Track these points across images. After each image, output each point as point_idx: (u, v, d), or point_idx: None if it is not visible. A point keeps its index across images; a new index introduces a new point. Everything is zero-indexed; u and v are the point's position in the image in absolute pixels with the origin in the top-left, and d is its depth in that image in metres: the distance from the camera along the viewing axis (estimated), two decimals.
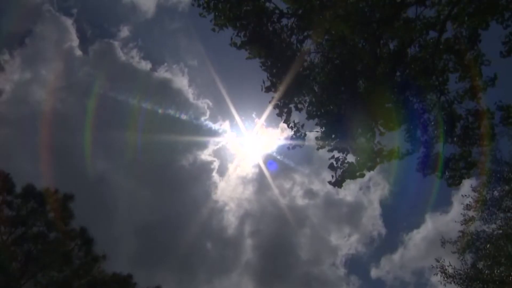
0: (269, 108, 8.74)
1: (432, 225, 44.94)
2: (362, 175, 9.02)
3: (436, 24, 8.43)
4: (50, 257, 18.89)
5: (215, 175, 48.50)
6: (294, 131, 8.67)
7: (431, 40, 8.81)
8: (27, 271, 18.17)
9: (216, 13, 7.62)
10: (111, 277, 19.48)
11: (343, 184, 8.92)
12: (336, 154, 8.81)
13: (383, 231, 49.26)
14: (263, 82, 8.11)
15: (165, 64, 56.27)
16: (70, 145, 34.91)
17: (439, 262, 18.41)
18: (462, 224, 18.22)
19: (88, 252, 19.99)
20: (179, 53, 54.48)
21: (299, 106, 8.46)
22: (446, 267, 18.25)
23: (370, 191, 52.16)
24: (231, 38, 7.87)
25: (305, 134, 8.76)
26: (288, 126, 8.68)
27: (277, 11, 7.71)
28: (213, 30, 7.85)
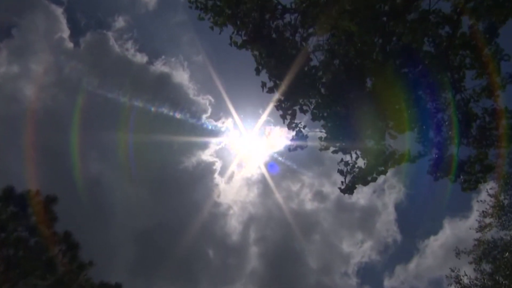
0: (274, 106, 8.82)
1: (450, 232, 44.96)
2: (374, 179, 9.12)
3: (451, 18, 8.55)
4: (32, 263, 19.02)
5: (217, 177, 48.38)
6: (296, 132, 8.79)
7: (446, 35, 8.93)
8: (8, 278, 18.33)
9: (214, 13, 7.75)
10: (98, 286, 19.62)
11: (354, 190, 9.07)
12: (345, 158, 8.91)
13: (398, 237, 49.23)
14: (263, 84, 8.21)
15: (163, 57, 56.01)
16: (62, 145, 34.92)
17: (453, 272, 18.64)
18: (477, 232, 18.42)
19: (73, 259, 20.09)
20: (179, 45, 54.31)
21: (304, 108, 8.56)
22: (462, 277, 18.46)
23: (384, 194, 52.11)
24: (231, 37, 8.00)
25: (307, 136, 8.89)
26: (289, 127, 8.80)
27: (279, 7, 7.81)
28: (211, 28, 7.97)
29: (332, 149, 8.95)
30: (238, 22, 7.74)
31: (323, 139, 8.83)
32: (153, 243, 39.97)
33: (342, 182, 9.14)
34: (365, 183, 9.12)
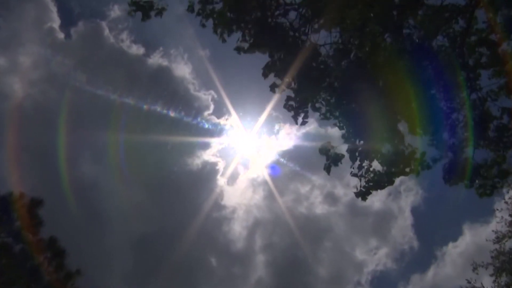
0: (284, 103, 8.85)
1: (470, 238, 44.68)
2: (391, 183, 9.10)
3: (466, 11, 8.63)
4: (16, 272, 19.11)
5: (220, 178, 48.17)
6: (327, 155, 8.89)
7: (460, 30, 9.00)
8: None
9: (215, 18, 7.93)
10: None
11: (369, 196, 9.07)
12: (359, 161, 8.92)
13: (415, 244, 48.96)
14: (274, 85, 8.28)
15: (161, 48, 55.77)
16: (52, 146, 34.86)
17: (470, 283, 18.73)
18: (494, 243, 18.49)
19: (59, 267, 20.16)
20: (178, 36, 53.91)
21: (317, 105, 8.65)
22: None
23: (400, 198, 51.78)
24: (238, 47, 8.17)
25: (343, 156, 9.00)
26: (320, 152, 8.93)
27: (282, 1, 7.90)
28: (215, 32, 8.16)
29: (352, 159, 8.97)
30: (242, 25, 7.87)
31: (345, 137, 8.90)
32: (151, 250, 39.97)
33: (356, 187, 9.14)
34: (381, 187, 9.13)
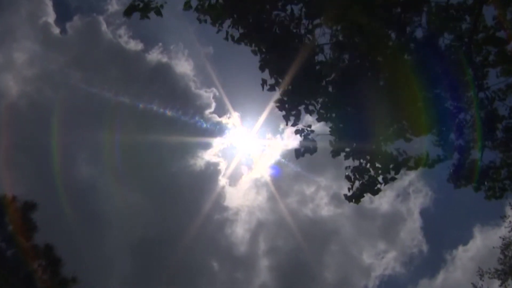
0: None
1: (481, 242, 44.63)
2: (383, 186, 9.08)
3: (473, 8, 8.65)
4: (8, 279, 19.11)
5: (221, 179, 48.06)
6: (304, 136, 8.78)
7: (467, 27, 9.02)
8: None
9: (214, 13, 7.94)
10: None
11: (361, 199, 9.05)
12: (354, 163, 8.89)
13: (425, 247, 48.88)
14: (264, 82, 8.27)
15: (160, 44, 55.83)
16: (47, 146, 34.84)
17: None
18: (502, 250, 18.54)
19: (54, 274, 20.15)
20: (178, 31, 53.85)
21: (310, 107, 8.61)
22: None
23: (409, 199, 51.83)
24: (227, 32, 8.13)
25: (315, 140, 8.86)
26: (296, 132, 8.78)
27: None
28: (212, 24, 8.16)
29: (343, 154, 8.91)
30: (235, 15, 7.87)
31: (333, 143, 8.78)
32: (151, 253, 39.87)
33: (348, 188, 9.06)
34: (374, 192, 9.05)
